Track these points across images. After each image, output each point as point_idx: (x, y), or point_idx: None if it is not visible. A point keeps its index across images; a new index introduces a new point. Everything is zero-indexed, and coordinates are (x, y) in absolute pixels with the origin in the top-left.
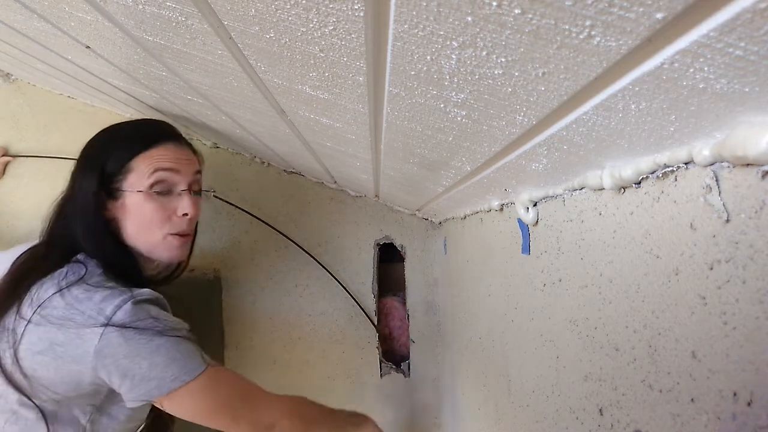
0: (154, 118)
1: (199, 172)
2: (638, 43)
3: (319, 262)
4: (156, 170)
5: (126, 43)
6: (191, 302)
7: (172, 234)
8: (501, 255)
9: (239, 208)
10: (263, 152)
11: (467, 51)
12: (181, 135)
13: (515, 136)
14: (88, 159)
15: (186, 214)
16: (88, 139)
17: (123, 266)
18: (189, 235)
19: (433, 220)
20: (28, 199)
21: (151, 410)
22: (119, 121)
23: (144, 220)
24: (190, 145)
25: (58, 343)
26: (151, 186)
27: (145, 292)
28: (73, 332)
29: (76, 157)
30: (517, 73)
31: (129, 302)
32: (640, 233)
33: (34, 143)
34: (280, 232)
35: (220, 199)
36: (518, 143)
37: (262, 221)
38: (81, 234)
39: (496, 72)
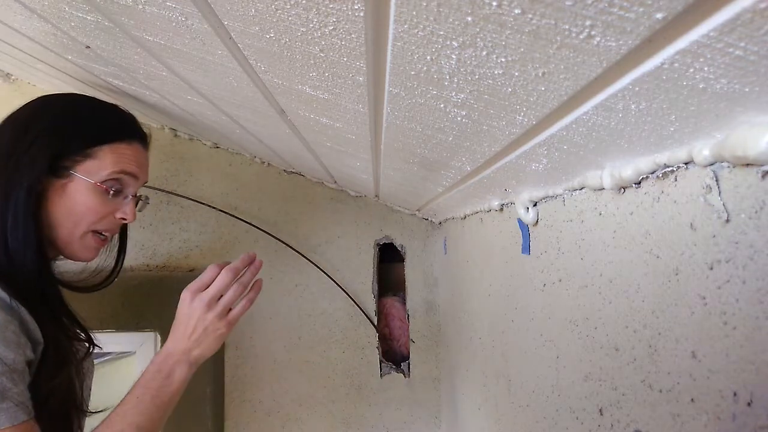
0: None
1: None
2: (638, 43)
3: (315, 264)
4: (121, 171)
5: (126, 43)
6: None
7: (94, 232)
8: (501, 255)
9: (234, 216)
10: (263, 152)
11: (467, 51)
12: (147, 137)
13: (515, 136)
14: (51, 125)
15: (124, 219)
16: (43, 99)
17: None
18: (107, 240)
19: (433, 220)
20: None
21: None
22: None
23: (79, 210)
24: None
25: None
26: (105, 182)
27: None
28: None
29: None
30: (517, 73)
31: None
32: (640, 233)
33: None
34: (277, 238)
35: (217, 209)
36: (518, 143)
37: (259, 228)
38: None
39: (496, 72)
